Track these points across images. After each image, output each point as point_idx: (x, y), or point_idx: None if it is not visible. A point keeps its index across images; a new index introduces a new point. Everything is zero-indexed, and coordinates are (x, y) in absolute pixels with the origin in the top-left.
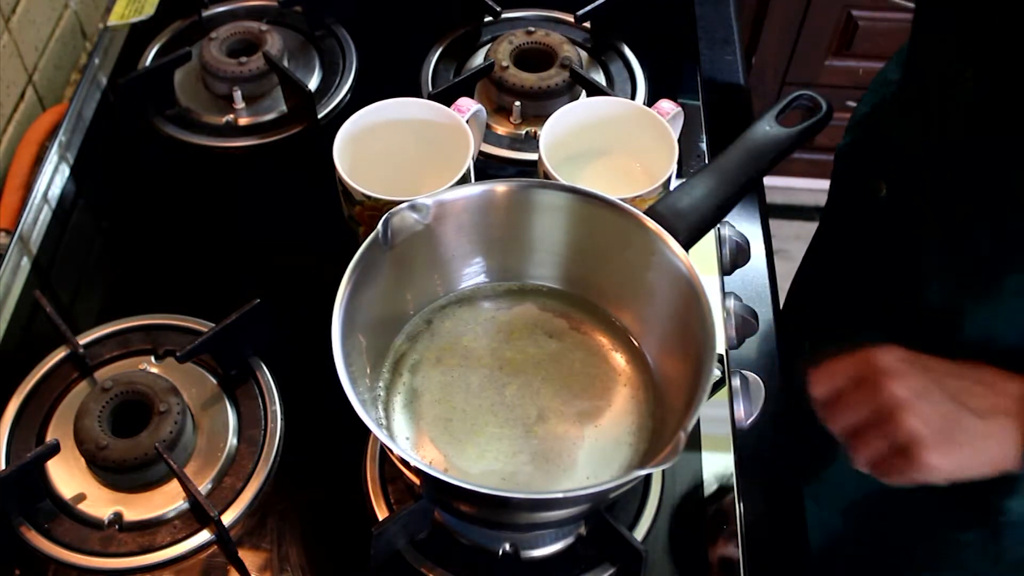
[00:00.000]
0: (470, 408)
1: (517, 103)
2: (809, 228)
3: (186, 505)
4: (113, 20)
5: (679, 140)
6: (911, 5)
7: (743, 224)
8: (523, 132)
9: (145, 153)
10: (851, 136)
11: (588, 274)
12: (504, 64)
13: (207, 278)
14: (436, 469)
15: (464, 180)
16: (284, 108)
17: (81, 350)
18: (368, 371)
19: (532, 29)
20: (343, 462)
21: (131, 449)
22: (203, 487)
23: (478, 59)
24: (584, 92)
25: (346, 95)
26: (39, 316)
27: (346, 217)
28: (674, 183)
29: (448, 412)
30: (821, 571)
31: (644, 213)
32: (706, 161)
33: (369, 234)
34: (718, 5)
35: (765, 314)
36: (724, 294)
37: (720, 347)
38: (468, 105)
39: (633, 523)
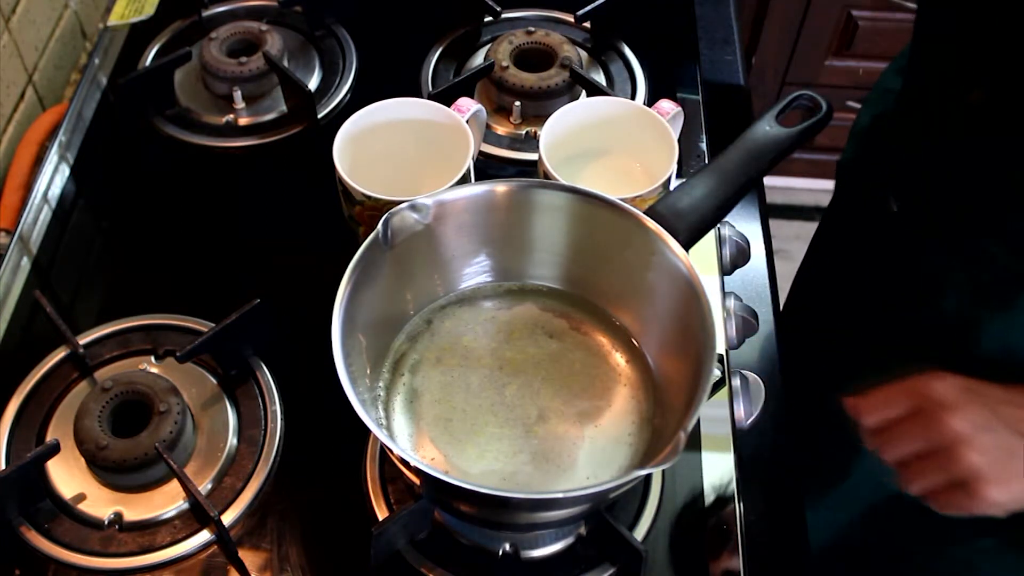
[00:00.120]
0: (470, 408)
1: (517, 103)
2: (809, 228)
3: (186, 505)
4: (113, 20)
5: (679, 140)
6: (911, 5)
7: (743, 224)
8: (523, 132)
9: (145, 153)
10: (854, 148)
11: (588, 274)
12: (504, 64)
13: (207, 278)
14: (436, 469)
15: (464, 180)
16: (284, 108)
17: (81, 350)
18: (368, 371)
19: (532, 29)
20: (343, 462)
21: (131, 449)
22: (203, 487)
23: (478, 59)
24: (584, 92)
25: (346, 95)
26: (39, 316)
27: (346, 217)
28: (674, 183)
29: (448, 412)
30: (828, 572)
31: (644, 213)
32: (706, 161)
33: (369, 234)
34: (718, 5)
35: (765, 314)
36: (724, 294)
37: (720, 347)
38: (468, 105)
39: (633, 523)
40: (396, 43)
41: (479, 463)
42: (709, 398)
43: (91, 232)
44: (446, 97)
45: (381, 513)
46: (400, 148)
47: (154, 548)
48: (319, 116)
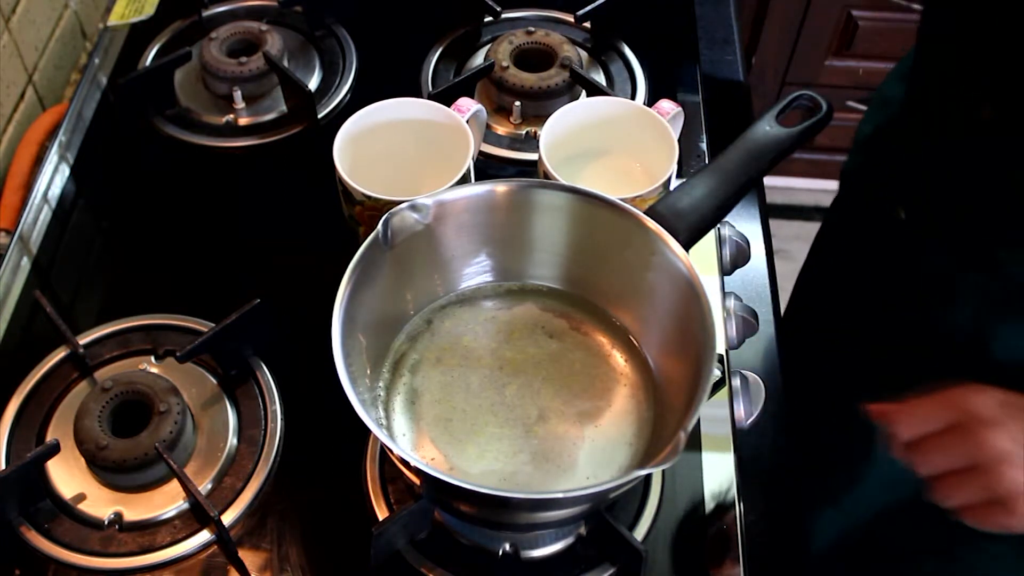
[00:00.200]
0: (470, 408)
1: (517, 103)
2: (809, 228)
3: (186, 505)
4: (113, 20)
5: (679, 140)
6: (911, 5)
7: (743, 224)
8: (523, 132)
9: (145, 153)
10: (859, 156)
11: (588, 274)
12: (504, 64)
13: (207, 278)
14: (436, 469)
15: (464, 180)
16: (284, 108)
17: (81, 350)
18: (368, 371)
19: (532, 29)
20: (343, 462)
21: (131, 449)
22: (203, 487)
23: (478, 59)
24: (584, 92)
25: (346, 95)
26: (39, 316)
27: (346, 217)
28: (674, 183)
29: (448, 412)
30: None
31: (644, 213)
32: (706, 161)
33: (369, 234)
34: (718, 5)
35: (765, 314)
36: (724, 294)
37: (720, 347)
38: (468, 105)
39: (633, 523)
40: (396, 43)
41: (479, 463)
42: (709, 398)
43: (91, 232)
44: (446, 97)
45: (381, 513)
46: (400, 148)
47: (154, 548)
48: (319, 116)
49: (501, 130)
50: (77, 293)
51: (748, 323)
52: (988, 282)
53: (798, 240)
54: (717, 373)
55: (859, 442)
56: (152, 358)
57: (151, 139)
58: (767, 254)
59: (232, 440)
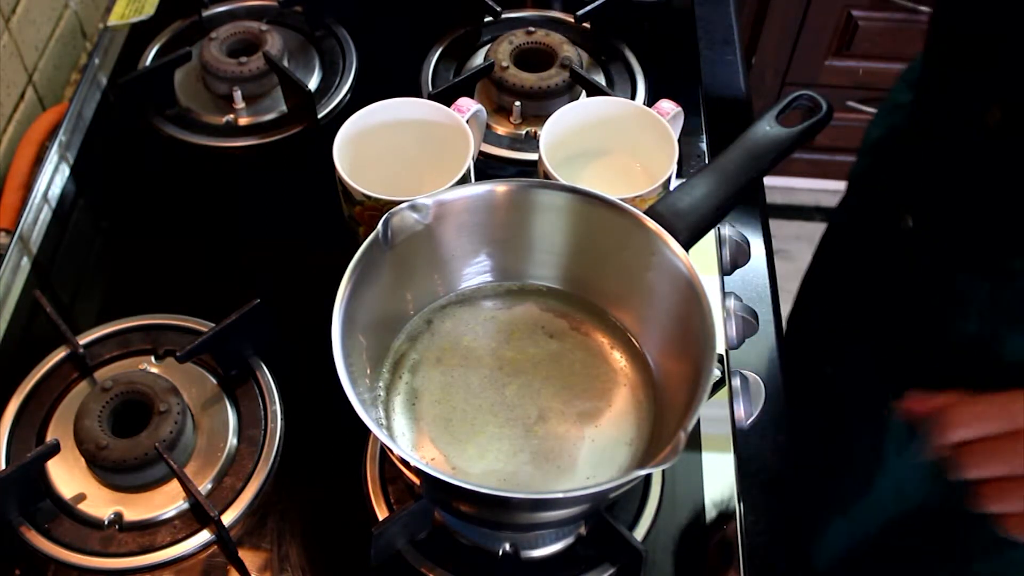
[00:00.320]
0: (470, 408)
1: (517, 103)
2: (809, 228)
3: (186, 505)
4: (113, 20)
5: (679, 140)
6: (911, 5)
7: (743, 224)
8: (523, 132)
9: (145, 153)
10: (866, 161)
11: (588, 274)
12: (504, 64)
13: (207, 278)
14: (436, 469)
15: (464, 180)
16: (284, 108)
17: (81, 350)
18: (368, 371)
19: (532, 29)
20: (343, 462)
21: (131, 449)
22: (203, 487)
23: (478, 59)
24: (584, 92)
25: (346, 95)
26: (39, 316)
27: (346, 217)
28: (674, 183)
29: (448, 412)
30: None
31: (644, 213)
32: (706, 161)
33: (369, 234)
34: (718, 5)
35: (765, 314)
36: (724, 294)
37: (720, 347)
38: (468, 105)
39: (633, 523)
40: (396, 43)
41: (479, 463)
42: (709, 398)
43: (91, 232)
44: (446, 97)
45: (381, 513)
46: (400, 148)
47: (154, 548)
48: (319, 116)
49: (501, 130)
50: (77, 293)
51: (748, 323)
52: (998, 291)
53: (798, 240)
54: (717, 373)
55: (868, 450)
56: (152, 358)
57: (151, 139)
58: (767, 254)
59: (232, 440)
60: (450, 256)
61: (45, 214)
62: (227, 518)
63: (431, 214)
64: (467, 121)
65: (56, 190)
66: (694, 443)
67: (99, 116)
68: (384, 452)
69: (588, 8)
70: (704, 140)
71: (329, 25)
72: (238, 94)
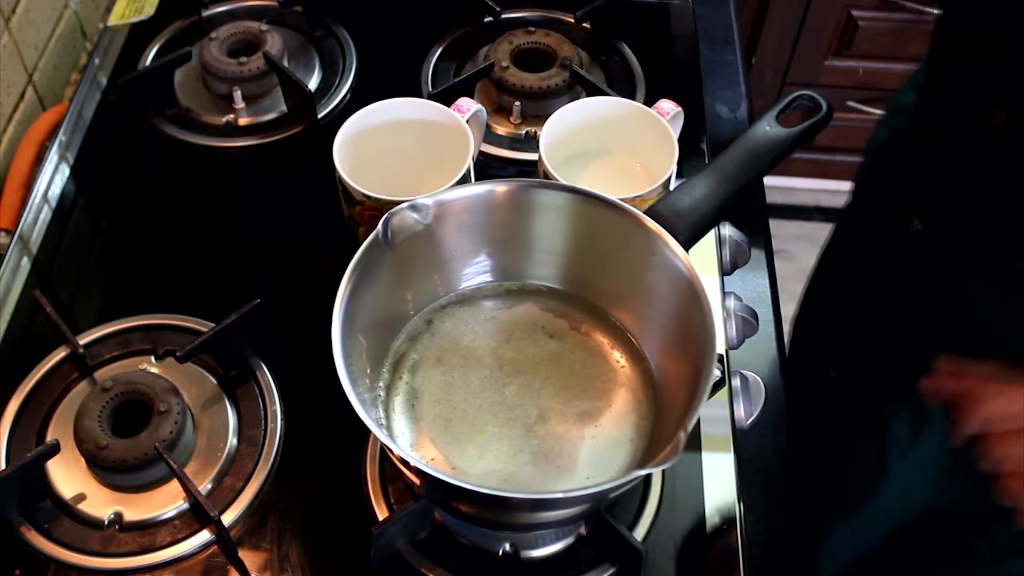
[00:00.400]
0: (470, 408)
1: (517, 103)
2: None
3: (186, 505)
4: (113, 20)
5: (679, 140)
6: (911, 5)
7: (743, 224)
8: (523, 132)
9: (145, 153)
10: (872, 163)
11: (588, 274)
12: (504, 64)
13: (207, 278)
14: (436, 469)
15: (464, 180)
16: (284, 108)
17: (81, 350)
18: (368, 371)
19: (532, 29)
20: (343, 462)
21: (131, 449)
22: (203, 487)
23: (478, 59)
24: (584, 92)
25: (346, 95)
26: (39, 316)
27: (346, 217)
28: (674, 183)
29: (448, 412)
30: None
31: (644, 213)
32: (706, 161)
33: (369, 234)
34: (718, 5)
35: (765, 314)
36: (724, 294)
37: (720, 347)
38: (468, 105)
39: (633, 523)
40: (396, 43)
41: (479, 463)
42: (709, 398)
43: (91, 232)
44: (446, 97)
45: (381, 513)
46: (400, 148)
47: (154, 548)
48: (319, 116)
49: (501, 130)
50: (77, 293)
51: (748, 323)
52: (1005, 295)
53: (798, 240)
54: (717, 373)
55: (871, 454)
56: (152, 358)
57: (151, 139)
58: (767, 254)
59: (232, 440)
60: (450, 256)
61: (45, 214)
62: (227, 518)
63: (431, 214)
64: (467, 121)
65: (56, 190)
66: (694, 443)
67: (99, 116)
68: (384, 452)
69: (588, 8)
70: (704, 140)
71: (329, 25)
72: (238, 94)
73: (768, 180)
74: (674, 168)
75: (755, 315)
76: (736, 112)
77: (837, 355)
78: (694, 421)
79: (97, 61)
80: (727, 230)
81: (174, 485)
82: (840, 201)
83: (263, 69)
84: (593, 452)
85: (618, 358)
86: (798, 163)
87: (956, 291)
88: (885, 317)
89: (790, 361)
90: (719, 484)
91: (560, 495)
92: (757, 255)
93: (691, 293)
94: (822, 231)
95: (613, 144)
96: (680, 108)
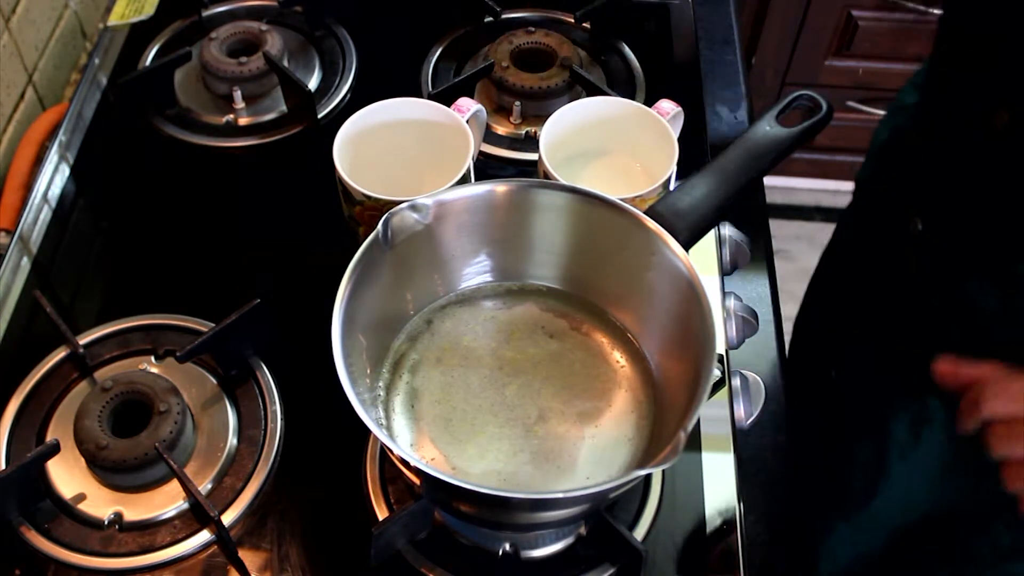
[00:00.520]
0: (470, 408)
1: (517, 103)
2: (809, 228)
3: (186, 505)
4: (113, 20)
5: (679, 140)
6: (911, 5)
7: (743, 224)
8: (523, 132)
9: (145, 153)
10: (873, 164)
11: (588, 274)
12: (504, 64)
13: (207, 278)
14: (436, 469)
15: (464, 180)
16: (284, 108)
17: (81, 350)
18: (368, 371)
19: (532, 29)
20: (343, 462)
21: (131, 449)
22: (203, 487)
23: (478, 59)
24: (584, 92)
25: (346, 95)
26: (39, 316)
27: (346, 217)
28: (674, 183)
29: (448, 412)
30: None
31: (644, 213)
32: (706, 161)
33: (369, 234)
34: (718, 5)
35: (765, 314)
36: (724, 294)
37: (720, 347)
38: (468, 105)
39: (633, 523)
40: (396, 43)
41: (479, 463)
42: (709, 398)
43: (91, 232)
44: (446, 97)
45: (381, 513)
46: (400, 148)
47: (154, 548)
48: (319, 116)
49: (501, 130)
50: (77, 293)
51: (748, 323)
52: (1007, 296)
53: (798, 240)
54: (717, 373)
55: (873, 456)
56: (152, 358)
57: (151, 139)
58: (767, 254)
59: (232, 440)
60: (450, 256)
61: (45, 214)
62: (227, 518)
63: (431, 214)
64: (467, 121)
65: (56, 190)
66: (694, 443)
67: (99, 116)
68: (384, 452)
69: (588, 8)
70: (704, 140)
71: (329, 25)
72: (238, 94)
73: (768, 180)
74: (674, 168)
75: (755, 315)
76: (736, 112)
77: (838, 355)
78: (694, 421)
79: (97, 61)
80: (727, 230)
81: (174, 485)
82: (840, 201)
83: (263, 69)
84: (593, 452)
85: (618, 358)
86: (798, 163)
87: (958, 291)
88: (886, 317)
89: (790, 361)
90: (719, 484)
91: (560, 495)
92: (757, 255)
93: (691, 293)
94: (822, 231)
95: (613, 144)
96: (680, 108)
